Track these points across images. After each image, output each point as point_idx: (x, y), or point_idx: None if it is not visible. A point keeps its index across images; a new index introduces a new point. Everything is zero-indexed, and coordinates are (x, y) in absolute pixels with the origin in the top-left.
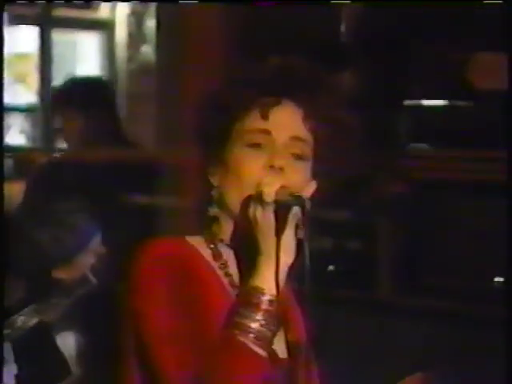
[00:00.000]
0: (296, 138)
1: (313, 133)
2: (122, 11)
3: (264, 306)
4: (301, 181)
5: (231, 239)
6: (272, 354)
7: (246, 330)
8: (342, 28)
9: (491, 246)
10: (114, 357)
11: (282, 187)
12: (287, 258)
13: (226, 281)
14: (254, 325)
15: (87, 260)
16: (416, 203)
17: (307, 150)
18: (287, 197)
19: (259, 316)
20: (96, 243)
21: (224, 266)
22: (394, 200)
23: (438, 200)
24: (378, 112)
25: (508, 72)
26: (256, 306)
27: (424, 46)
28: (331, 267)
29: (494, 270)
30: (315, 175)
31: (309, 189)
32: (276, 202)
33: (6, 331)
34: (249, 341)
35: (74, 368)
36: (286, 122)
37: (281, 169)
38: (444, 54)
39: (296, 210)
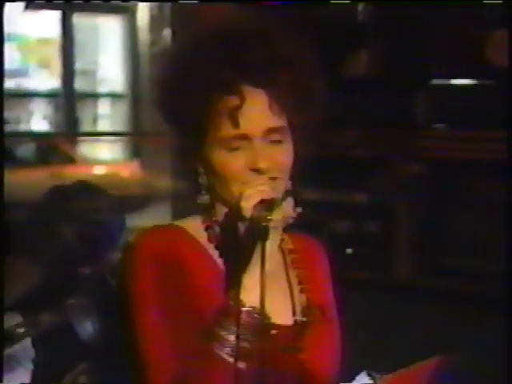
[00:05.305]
0: (270, 129)
1: (283, 115)
2: None
3: (244, 317)
4: (286, 160)
5: (223, 225)
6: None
7: (223, 343)
8: (359, 8)
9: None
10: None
11: (262, 201)
12: (267, 267)
13: (220, 261)
14: (232, 337)
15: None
16: (434, 184)
17: (285, 133)
18: (263, 215)
19: (238, 329)
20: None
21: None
22: (411, 181)
23: (456, 181)
24: (395, 93)
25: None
26: (235, 318)
27: (441, 24)
28: (349, 250)
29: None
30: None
31: (287, 205)
32: (252, 218)
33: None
34: (224, 353)
35: (88, 356)
36: (257, 118)
37: (266, 169)
38: (462, 33)
39: (275, 222)
